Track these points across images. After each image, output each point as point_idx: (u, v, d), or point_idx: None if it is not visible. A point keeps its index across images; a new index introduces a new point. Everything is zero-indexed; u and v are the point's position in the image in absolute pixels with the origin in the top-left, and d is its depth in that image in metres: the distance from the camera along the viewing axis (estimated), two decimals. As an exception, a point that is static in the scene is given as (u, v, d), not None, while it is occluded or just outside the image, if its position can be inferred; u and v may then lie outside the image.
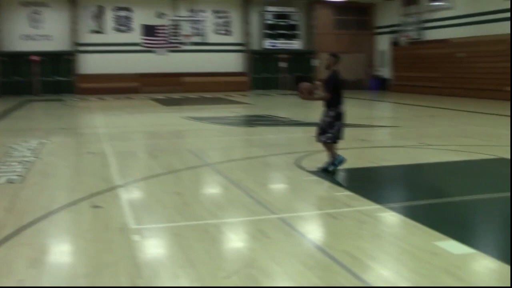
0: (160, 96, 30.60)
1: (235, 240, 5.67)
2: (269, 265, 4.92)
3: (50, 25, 32.94)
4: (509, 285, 4.41)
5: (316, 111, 20.47)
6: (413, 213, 6.53)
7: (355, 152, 11.17)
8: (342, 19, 37.01)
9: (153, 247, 5.52)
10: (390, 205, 6.79)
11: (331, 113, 8.66)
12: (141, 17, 34.24)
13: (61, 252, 5.41)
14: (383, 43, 36.37)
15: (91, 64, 33.30)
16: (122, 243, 5.61)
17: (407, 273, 4.71)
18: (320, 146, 9.15)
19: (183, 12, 30.24)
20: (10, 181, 8.62)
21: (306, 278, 4.63)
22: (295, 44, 36.27)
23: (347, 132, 13.79)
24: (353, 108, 21.06)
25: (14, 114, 20.80)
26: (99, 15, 33.78)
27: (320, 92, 8.79)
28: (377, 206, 6.80)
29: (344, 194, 7.57)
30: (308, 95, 8.98)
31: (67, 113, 22.70)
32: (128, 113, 20.81)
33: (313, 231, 5.97)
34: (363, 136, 13.48)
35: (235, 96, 29.96)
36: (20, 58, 32.27)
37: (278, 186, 8.39)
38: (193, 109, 23.20)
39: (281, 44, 36.07)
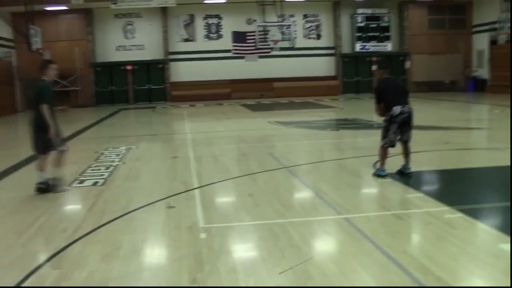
0: (250, 102, 31.06)
1: (297, 239, 5.79)
2: (325, 263, 5.05)
3: (143, 35, 34.24)
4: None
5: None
6: (482, 215, 6.47)
7: (437, 154, 11.11)
8: (436, 19, 36.01)
9: (217, 244, 5.73)
10: (460, 207, 6.71)
11: (386, 118, 8.80)
12: (231, 24, 34.88)
13: (131, 248, 5.72)
14: (480, 42, 35.10)
15: (183, 72, 34.26)
16: (190, 240, 5.92)
17: (463, 275, 4.69)
18: (399, 149, 9.09)
19: (273, 18, 30.50)
20: (95, 184, 9.14)
21: (360, 276, 4.72)
22: (387, 46, 35.75)
23: (434, 134, 13.73)
24: (445, 111, 20.76)
25: (107, 122, 21.82)
26: (190, 24, 34.70)
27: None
28: (446, 208, 6.75)
29: (415, 196, 7.57)
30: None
31: (157, 120, 23.50)
32: (216, 119, 21.26)
33: (375, 231, 5.99)
34: (450, 139, 13.19)
35: (325, 101, 29.97)
36: (115, 68, 33.75)
37: (350, 187, 8.42)
38: (281, 114, 23.43)
39: (372, 46, 35.66)
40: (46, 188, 8.44)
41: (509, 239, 5.48)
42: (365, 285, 4.56)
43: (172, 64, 34.23)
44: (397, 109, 8.57)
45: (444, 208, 6.77)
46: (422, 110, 22.10)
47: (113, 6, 30.62)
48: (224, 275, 4.85)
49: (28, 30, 26.27)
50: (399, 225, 6.20)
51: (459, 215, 6.44)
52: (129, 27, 34.05)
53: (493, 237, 5.64)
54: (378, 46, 35.57)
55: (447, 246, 5.46)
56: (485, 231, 5.83)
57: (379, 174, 8.70)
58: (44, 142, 8.32)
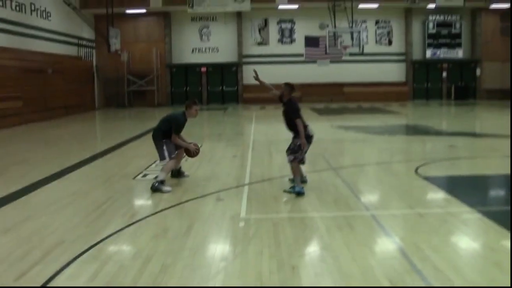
0: (319, 106, 31.77)
1: (322, 229, 6.58)
2: (341, 251, 5.81)
3: (217, 38, 35.65)
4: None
5: (466, 121, 20.47)
6: (499, 217, 6.99)
7: (480, 160, 11.61)
8: (510, 26, 35.63)
9: (252, 231, 6.58)
10: (481, 209, 7.30)
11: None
12: (304, 29, 35.71)
13: (177, 232, 6.66)
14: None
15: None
16: (229, 227, 6.83)
17: (459, 264, 5.36)
18: (447, 155, 9.62)
19: (345, 23, 31.04)
20: (156, 177, 10.13)
21: (367, 262, 5.45)
22: (458, 53, 35.67)
23: (487, 142, 14.16)
24: (505, 118, 20.79)
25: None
26: (263, 28, 35.71)
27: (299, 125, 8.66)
28: (467, 209, 7.37)
29: (444, 197, 8.22)
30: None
31: (226, 120, 24.61)
32: (281, 122, 21.96)
33: (394, 226, 6.71)
34: (500, 147, 13.57)
35: (393, 106, 30.32)
36: (190, 69, 35.29)
37: (385, 188, 9.09)
38: (345, 118, 24.09)
39: (443, 53, 35.67)
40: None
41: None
42: (364, 261, 5.31)
43: (245, 67, 35.30)
44: (311, 131, 8.93)
45: (465, 209, 7.38)
46: (486, 118, 22.35)
47: (190, 10, 31.93)
48: (252, 256, 5.70)
49: (108, 32, 27.85)
50: (417, 222, 6.88)
51: (478, 215, 7.05)
52: (205, 30, 35.43)
53: (498, 235, 6.24)
54: (449, 52, 35.61)
55: (454, 241, 6.15)
56: (495, 230, 6.42)
57: (300, 191, 8.54)
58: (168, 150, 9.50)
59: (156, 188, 9.03)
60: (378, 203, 8.04)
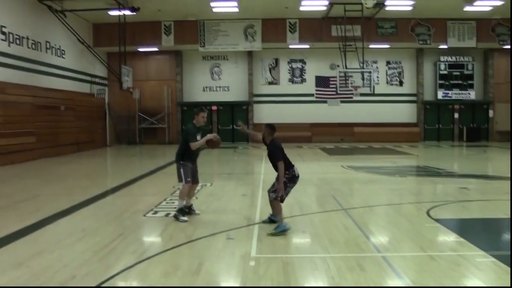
0: (329, 146, 31.78)
1: (332, 270, 6.50)
2: (351, 292, 5.72)
3: (228, 77, 35.97)
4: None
5: (478, 163, 20.36)
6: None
7: (496, 204, 11.48)
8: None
9: (262, 271, 6.52)
10: (494, 253, 7.19)
11: (287, 175, 8.78)
12: (314, 69, 35.92)
13: (188, 269, 6.63)
14: None
15: (265, 113, 35.44)
16: (239, 266, 6.78)
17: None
18: (459, 197, 9.50)
19: (355, 63, 31.17)
20: (167, 215, 10.17)
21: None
22: (470, 94, 35.62)
23: (497, 184, 14.06)
24: (508, 161, 20.68)
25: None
26: (274, 67, 35.96)
27: (279, 168, 8.63)
28: (481, 253, 7.26)
29: (456, 240, 8.09)
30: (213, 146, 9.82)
31: (236, 159, 24.61)
32: (291, 161, 21.99)
33: (405, 268, 6.61)
34: (510, 189, 13.45)
35: (404, 147, 30.26)
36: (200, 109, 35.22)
37: (397, 229, 8.98)
38: (356, 158, 24.03)
39: (455, 94, 35.65)
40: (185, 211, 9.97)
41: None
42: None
43: (256, 105, 35.50)
44: (297, 171, 8.94)
45: (478, 253, 7.28)
46: (499, 160, 22.21)
47: (201, 49, 32.41)
48: (261, 296, 5.65)
49: (121, 70, 28.13)
50: (429, 265, 6.78)
51: (491, 259, 6.93)
52: (216, 69, 35.70)
53: (514, 280, 6.13)
54: (461, 94, 35.56)
55: (465, 283, 6.05)
56: (507, 274, 6.29)
57: (284, 229, 8.52)
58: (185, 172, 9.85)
59: (174, 216, 9.60)
60: (389, 245, 7.94)
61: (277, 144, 8.86)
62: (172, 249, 7.66)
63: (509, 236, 8.86)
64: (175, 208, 10.73)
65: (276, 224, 8.75)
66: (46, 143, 24.16)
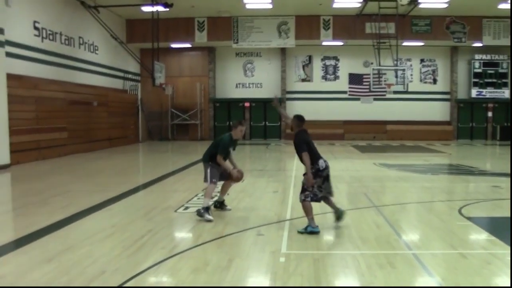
0: (361, 143, 31.71)
1: (363, 267, 6.55)
2: (381, 289, 5.77)
3: (261, 74, 36.08)
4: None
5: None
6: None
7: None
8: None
9: (293, 267, 6.59)
10: (526, 251, 7.17)
11: (311, 171, 8.60)
12: (348, 66, 35.84)
13: (217, 265, 6.71)
14: None
15: (298, 110, 35.13)
16: (269, 262, 6.84)
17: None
18: (491, 196, 9.44)
19: (389, 61, 30.97)
20: (198, 215, 10.20)
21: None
22: (505, 93, 35.13)
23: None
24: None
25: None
26: (307, 64, 35.94)
27: (304, 160, 8.57)
28: (512, 251, 7.23)
29: (487, 239, 8.08)
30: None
31: (268, 156, 24.70)
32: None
33: (436, 265, 6.63)
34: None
35: (436, 145, 30.03)
36: (233, 104, 35.75)
37: (428, 227, 8.97)
38: (388, 156, 23.91)
39: (489, 93, 35.19)
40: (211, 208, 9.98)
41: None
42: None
43: (288, 102, 35.50)
44: (322, 163, 8.67)
45: (509, 251, 7.24)
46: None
47: (234, 45, 32.54)
48: (290, 291, 5.74)
49: (153, 66, 28.38)
50: (460, 263, 6.78)
51: (523, 258, 6.92)
52: (249, 65, 35.82)
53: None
54: (495, 92, 35.07)
55: (496, 282, 6.05)
56: (540, 273, 6.30)
57: (312, 231, 8.35)
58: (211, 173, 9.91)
59: (199, 214, 9.55)
60: (419, 242, 7.96)
61: (302, 136, 8.82)
62: (202, 245, 7.75)
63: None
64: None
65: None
66: (78, 139, 24.49)
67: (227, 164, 10.00)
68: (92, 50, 27.73)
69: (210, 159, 9.92)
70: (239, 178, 10.03)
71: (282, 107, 9.56)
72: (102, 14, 27.16)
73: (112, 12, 29.70)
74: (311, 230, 8.40)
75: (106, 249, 7.51)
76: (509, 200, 11.24)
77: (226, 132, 10.19)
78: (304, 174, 8.78)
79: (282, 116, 9.97)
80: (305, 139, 8.78)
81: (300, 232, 8.44)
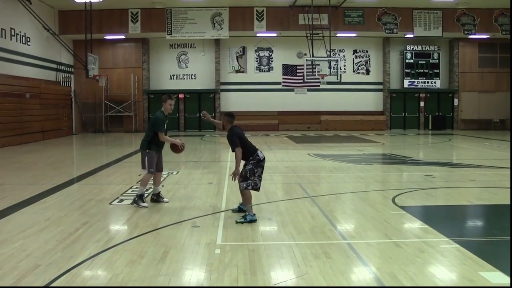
0: (296, 134, 31.90)
1: (298, 257, 6.51)
2: (317, 279, 5.74)
3: (195, 65, 35.82)
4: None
5: (443, 151, 20.57)
6: (476, 247, 6.97)
7: (460, 191, 11.65)
8: (487, 57, 36.16)
9: (228, 259, 6.50)
10: (457, 239, 7.30)
11: (252, 161, 8.79)
12: (281, 57, 35.95)
13: (153, 257, 6.58)
14: (532, 81, 35.04)
15: (233, 102, 35.44)
16: (205, 254, 6.75)
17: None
18: (424, 185, 9.54)
19: (323, 52, 31.19)
20: (133, 203, 10.04)
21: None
22: (436, 83, 35.97)
23: (461, 172, 14.25)
24: (485, 149, 21.02)
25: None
26: (241, 55, 35.87)
27: (236, 156, 8.70)
28: (444, 239, 7.35)
29: (420, 227, 8.17)
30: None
31: (203, 148, 24.44)
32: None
33: (371, 255, 6.65)
34: (476, 177, 13.65)
35: (370, 135, 30.50)
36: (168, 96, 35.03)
37: (362, 217, 9.02)
38: (322, 146, 24.11)
39: (421, 83, 35.97)
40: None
41: (493, 268, 6.05)
42: (345, 298, 5.23)
43: (223, 94, 35.39)
44: (261, 154, 8.91)
45: (442, 239, 7.36)
46: (464, 148, 22.48)
47: (168, 37, 32.22)
48: (227, 283, 5.65)
49: (87, 58, 27.77)
50: (394, 251, 6.82)
51: (454, 245, 7.01)
52: (183, 57, 35.50)
53: (477, 266, 6.18)
54: (427, 82, 35.87)
55: (431, 271, 6.08)
56: (472, 260, 6.36)
57: (252, 219, 8.50)
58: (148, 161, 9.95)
59: (134, 201, 9.69)
60: (354, 232, 7.96)
61: (235, 131, 8.86)
62: (137, 237, 7.61)
63: (473, 223, 9.01)
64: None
65: (244, 213, 8.72)
66: (10, 131, 23.80)
67: (171, 138, 10.06)
68: (24, 42, 26.92)
69: (148, 145, 9.87)
70: (182, 147, 9.99)
71: (211, 117, 9.71)
72: (34, 5, 26.48)
73: (44, 3, 28.94)
74: (250, 219, 8.45)
75: (40, 243, 7.29)
76: (442, 189, 11.47)
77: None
78: (245, 164, 8.79)
79: (216, 124, 9.92)
80: (237, 133, 8.82)
81: (240, 222, 8.41)
